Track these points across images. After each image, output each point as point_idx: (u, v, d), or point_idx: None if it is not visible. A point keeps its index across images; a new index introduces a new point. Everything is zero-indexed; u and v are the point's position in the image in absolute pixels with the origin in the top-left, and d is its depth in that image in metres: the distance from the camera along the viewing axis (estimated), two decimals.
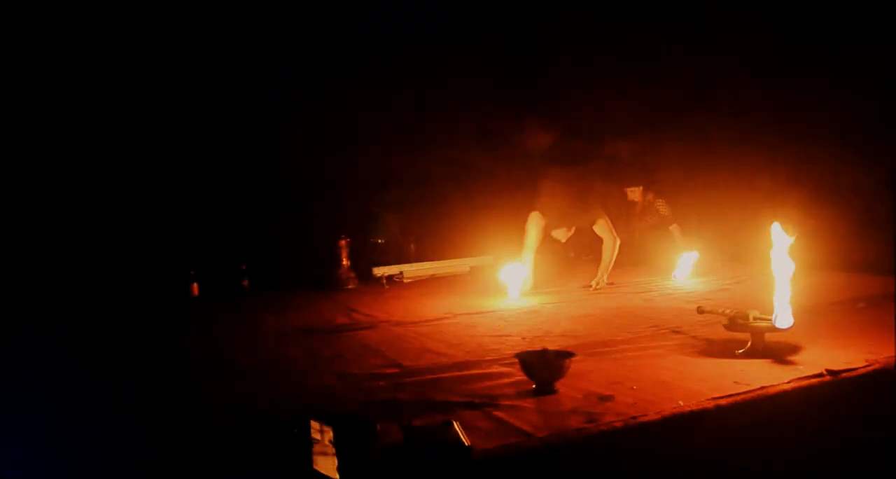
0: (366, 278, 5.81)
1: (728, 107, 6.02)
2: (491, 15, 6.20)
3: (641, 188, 6.40)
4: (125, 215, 5.53)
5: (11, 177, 5.14)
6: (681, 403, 2.48)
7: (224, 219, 5.89)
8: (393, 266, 5.98)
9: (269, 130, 6.00)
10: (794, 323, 3.06)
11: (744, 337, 3.14)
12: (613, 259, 5.24)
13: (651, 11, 5.97)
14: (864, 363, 2.82)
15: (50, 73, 5.26)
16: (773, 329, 3.07)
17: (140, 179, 5.60)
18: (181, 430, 2.67)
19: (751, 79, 5.86)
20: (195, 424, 2.69)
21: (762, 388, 2.60)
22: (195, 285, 5.44)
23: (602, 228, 5.26)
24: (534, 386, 2.70)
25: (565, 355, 2.80)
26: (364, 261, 5.91)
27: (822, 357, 2.93)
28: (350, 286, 5.66)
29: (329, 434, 2.04)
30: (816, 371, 2.73)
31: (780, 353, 3.03)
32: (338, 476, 2.00)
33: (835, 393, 2.68)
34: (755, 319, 3.14)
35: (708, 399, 2.51)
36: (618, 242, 5.26)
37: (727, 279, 5.26)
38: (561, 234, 5.34)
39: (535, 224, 5.16)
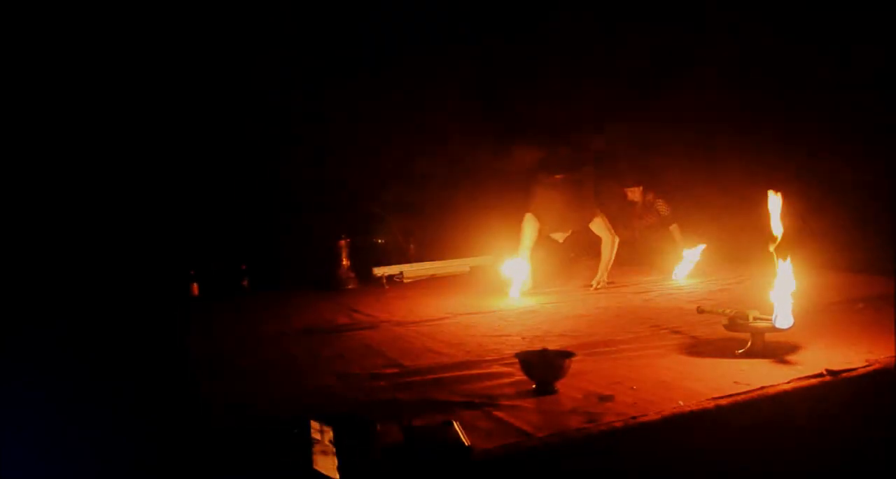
0: (366, 278, 5.81)
1: (728, 107, 6.03)
2: (490, 14, 6.20)
3: (641, 188, 6.40)
4: (125, 215, 5.53)
5: (11, 177, 5.14)
6: (681, 403, 2.48)
7: (224, 219, 5.89)
8: (393, 266, 5.97)
9: (269, 130, 6.01)
10: (794, 323, 3.06)
11: (744, 337, 3.14)
12: (612, 257, 5.24)
13: (650, 10, 5.97)
14: (864, 363, 2.82)
15: (50, 73, 5.26)
16: (773, 329, 3.07)
17: (140, 179, 5.60)
18: (181, 430, 2.67)
19: (751, 79, 5.86)
20: (195, 424, 2.69)
21: (762, 388, 2.60)
22: (195, 285, 5.44)
23: (599, 226, 5.25)
24: (534, 386, 2.70)
25: (565, 355, 2.80)
26: (364, 261, 5.90)
27: (822, 357, 2.93)
28: (350, 286, 5.66)
29: (329, 434, 2.04)
30: (816, 371, 2.73)
31: (780, 353, 3.03)
32: (338, 476, 2.00)
33: (835, 393, 2.68)
34: (755, 319, 3.14)
35: (708, 399, 2.51)
36: (616, 240, 5.26)
37: (727, 279, 5.25)
38: (558, 234, 5.34)
39: (529, 225, 5.19)
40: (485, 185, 6.27)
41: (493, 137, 6.10)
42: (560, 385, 2.70)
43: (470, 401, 2.62)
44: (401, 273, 5.93)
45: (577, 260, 6.16)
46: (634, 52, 6.13)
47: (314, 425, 2.11)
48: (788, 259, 3.14)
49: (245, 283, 5.63)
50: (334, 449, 2.02)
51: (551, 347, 3.03)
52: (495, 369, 3.06)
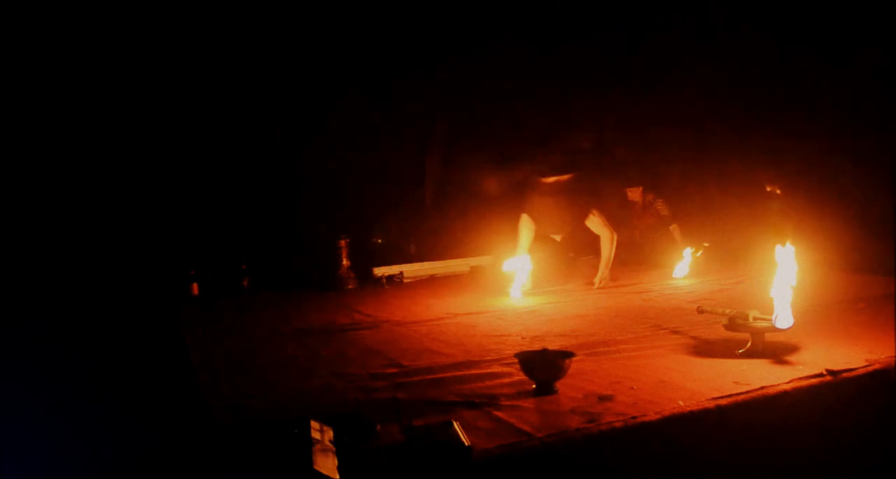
0: (366, 278, 5.81)
1: (728, 107, 6.03)
2: (489, 15, 6.20)
3: (641, 188, 6.40)
4: (125, 216, 5.53)
5: (12, 177, 5.15)
6: (681, 403, 2.48)
7: (224, 219, 5.89)
8: (393, 266, 5.97)
9: (269, 131, 6.01)
10: (794, 323, 3.06)
11: (744, 337, 3.14)
12: (613, 254, 5.20)
13: (648, 12, 5.98)
14: (864, 363, 2.82)
15: (51, 73, 5.27)
16: (773, 329, 3.07)
17: (140, 179, 5.60)
18: (181, 430, 2.67)
19: (751, 79, 5.86)
20: (195, 424, 2.69)
21: (762, 388, 2.60)
22: (195, 285, 5.44)
23: (596, 224, 5.20)
24: (534, 386, 2.70)
25: (565, 355, 2.80)
26: (364, 261, 5.90)
27: (822, 357, 2.93)
28: (350, 286, 5.66)
29: (329, 434, 2.05)
30: (816, 371, 2.73)
31: (780, 353, 3.03)
32: (338, 476, 2.00)
33: (835, 393, 2.68)
34: (755, 319, 3.14)
35: (708, 399, 2.50)
36: (615, 236, 5.22)
37: (727, 279, 5.25)
38: (556, 234, 5.35)
39: (525, 226, 5.20)
40: (485, 184, 6.28)
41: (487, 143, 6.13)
42: (560, 385, 2.70)
43: (470, 401, 2.62)
44: (401, 273, 5.93)
45: (577, 259, 6.17)
46: (634, 53, 6.14)
47: (314, 425, 2.11)
48: (789, 250, 3.13)
49: (245, 283, 5.63)
50: (334, 449, 2.02)
51: (551, 347, 3.03)
52: (495, 369, 3.06)
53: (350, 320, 4.38)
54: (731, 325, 3.20)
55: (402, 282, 5.87)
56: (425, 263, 6.16)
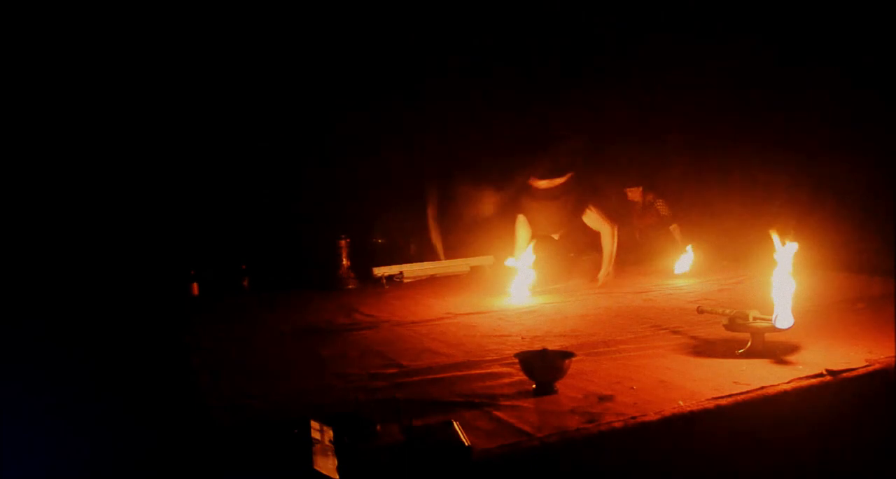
0: (366, 278, 5.81)
1: (728, 107, 6.03)
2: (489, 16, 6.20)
3: (641, 188, 6.40)
4: (125, 215, 5.53)
5: (11, 177, 5.15)
6: (681, 403, 2.48)
7: (224, 219, 5.89)
8: (393, 266, 5.97)
9: (269, 131, 6.01)
10: (794, 323, 3.06)
11: (744, 337, 3.14)
12: (615, 248, 5.15)
13: (647, 12, 5.98)
14: (864, 363, 2.82)
15: (51, 73, 5.27)
16: (773, 329, 3.07)
17: (140, 179, 5.60)
18: (181, 430, 2.67)
19: (751, 79, 5.86)
20: (195, 424, 2.69)
21: (762, 388, 2.60)
22: (195, 284, 5.44)
23: (594, 219, 5.15)
24: (534, 386, 2.70)
25: (565, 355, 2.80)
26: (364, 261, 5.91)
27: (822, 357, 2.93)
28: (350, 286, 5.66)
29: (329, 434, 2.05)
30: (816, 371, 2.73)
31: (780, 353, 3.03)
32: (338, 476, 2.00)
33: (835, 393, 2.68)
34: (755, 319, 3.14)
35: (708, 399, 2.50)
36: (616, 229, 5.16)
37: (727, 279, 5.25)
38: (554, 233, 5.35)
39: (521, 226, 5.20)
40: (484, 184, 6.28)
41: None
42: (560, 385, 2.70)
43: (470, 401, 2.62)
44: (401, 273, 5.93)
45: (578, 259, 6.17)
46: (634, 54, 6.14)
47: (314, 425, 2.11)
48: (789, 250, 3.13)
49: (245, 283, 5.63)
50: (334, 449, 2.02)
51: (551, 347, 3.03)
52: (495, 369, 3.06)
53: (350, 320, 4.38)
54: (731, 325, 3.20)
55: (402, 282, 5.87)
56: (425, 263, 6.16)
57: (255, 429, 2.45)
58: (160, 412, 2.99)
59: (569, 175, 5.23)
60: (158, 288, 5.33)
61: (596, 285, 5.06)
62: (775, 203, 5.77)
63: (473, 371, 3.04)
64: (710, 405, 2.47)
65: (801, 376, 2.70)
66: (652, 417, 2.39)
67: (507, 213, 5.48)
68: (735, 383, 2.66)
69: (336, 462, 2.01)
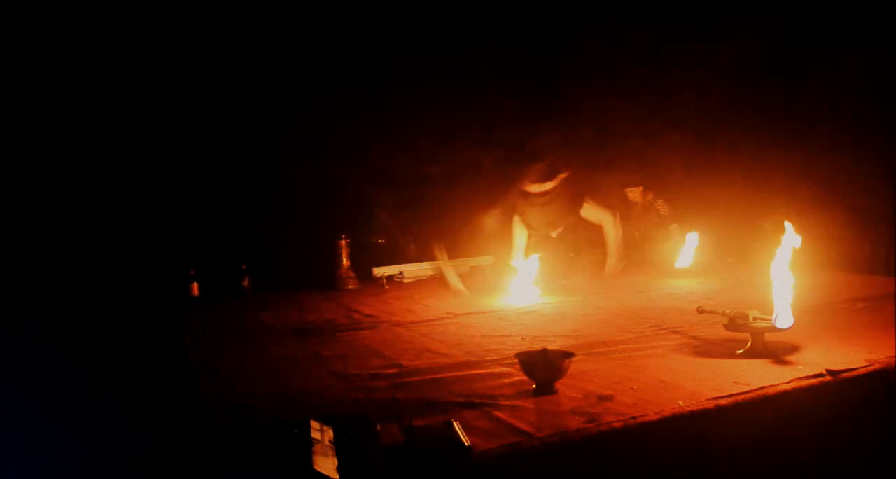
0: (366, 278, 5.81)
1: (728, 107, 6.03)
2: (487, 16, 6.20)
3: (641, 188, 6.39)
4: (125, 215, 5.53)
5: (11, 177, 5.15)
6: (681, 403, 2.48)
7: (224, 219, 5.89)
8: (393, 266, 5.97)
9: (269, 130, 6.01)
10: (794, 323, 3.06)
11: (744, 337, 3.14)
12: (620, 238, 5.04)
13: (647, 11, 5.97)
14: (864, 363, 2.82)
15: (51, 73, 5.27)
16: (773, 329, 3.07)
17: (140, 179, 5.61)
18: (181, 430, 2.67)
19: (751, 79, 5.86)
20: (195, 424, 2.69)
21: (762, 388, 2.60)
22: (195, 284, 5.44)
23: (594, 212, 5.05)
24: (534, 386, 2.70)
25: (565, 355, 2.80)
26: (364, 261, 5.90)
27: (822, 357, 2.93)
28: (350, 286, 5.65)
29: (329, 434, 2.04)
30: (816, 371, 2.73)
31: (780, 353, 3.03)
32: (338, 476, 2.00)
33: (835, 393, 2.68)
34: (755, 319, 3.14)
35: (708, 399, 2.51)
36: (618, 218, 5.04)
37: (727, 279, 5.25)
38: (552, 232, 5.34)
39: (518, 227, 5.18)
40: (485, 185, 6.28)
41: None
42: (560, 385, 2.70)
43: (470, 401, 2.62)
44: (401, 273, 5.92)
45: (578, 258, 6.16)
46: (634, 52, 6.14)
47: (314, 425, 2.11)
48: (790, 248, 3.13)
49: (245, 283, 5.62)
50: (334, 449, 2.02)
51: (551, 347, 3.03)
52: (495, 369, 3.06)
53: (350, 320, 4.38)
54: (731, 325, 3.20)
55: (402, 282, 5.86)
56: (425, 263, 6.16)
57: (255, 429, 2.45)
58: (160, 412, 2.99)
59: (561, 176, 5.20)
60: (158, 288, 5.33)
61: (602, 275, 4.93)
62: (776, 203, 5.77)
63: (473, 371, 3.04)
64: (710, 405, 2.47)
65: (801, 376, 2.70)
66: (652, 417, 2.39)
67: (504, 215, 5.47)
68: (735, 383, 2.66)
69: (336, 462, 2.00)
